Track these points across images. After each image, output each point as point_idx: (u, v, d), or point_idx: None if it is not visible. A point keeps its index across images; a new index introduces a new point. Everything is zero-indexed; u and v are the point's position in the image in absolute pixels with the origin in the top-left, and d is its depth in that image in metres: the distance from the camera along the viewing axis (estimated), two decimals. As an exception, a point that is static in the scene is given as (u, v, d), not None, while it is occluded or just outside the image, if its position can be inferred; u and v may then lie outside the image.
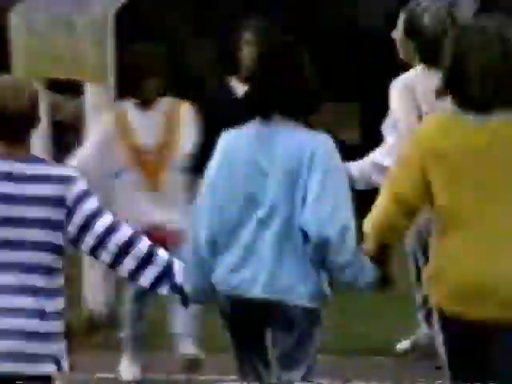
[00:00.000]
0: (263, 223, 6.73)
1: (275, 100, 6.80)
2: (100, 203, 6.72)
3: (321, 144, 6.75)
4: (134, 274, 6.69)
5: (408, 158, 6.54)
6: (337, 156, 6.76)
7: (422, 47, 9.86)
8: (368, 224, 6.63)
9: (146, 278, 6.68)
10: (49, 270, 6.54)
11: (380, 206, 6.61)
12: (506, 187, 6.60)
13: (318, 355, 7.03)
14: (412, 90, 9.73)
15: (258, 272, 6.73)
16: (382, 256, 6.76)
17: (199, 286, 6.84)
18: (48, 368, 6.54)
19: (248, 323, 6.92)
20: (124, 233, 6.69)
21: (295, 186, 6.71)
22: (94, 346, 11.90)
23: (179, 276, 6.77)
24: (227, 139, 6.80)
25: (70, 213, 6.59)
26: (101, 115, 11.90)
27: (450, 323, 6.74)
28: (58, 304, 6.57)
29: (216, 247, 6.80)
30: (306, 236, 6.63)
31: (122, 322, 11.26)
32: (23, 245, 6.51)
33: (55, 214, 6.58)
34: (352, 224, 6.71)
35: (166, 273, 6.77)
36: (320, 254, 6.69)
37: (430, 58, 9.62)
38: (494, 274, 6.60)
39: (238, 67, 11.46)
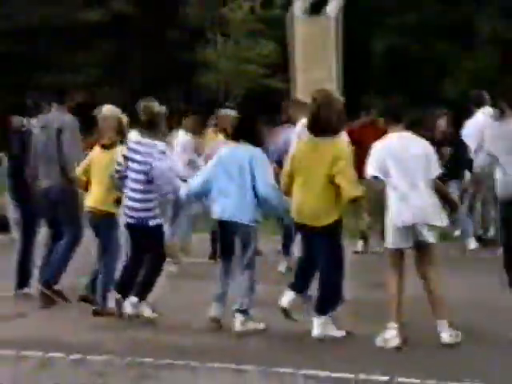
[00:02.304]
0: (232, 181, 9.50)
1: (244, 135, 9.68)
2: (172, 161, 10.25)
3: (256, 152, 9.52)
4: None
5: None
6: (264, 156, 9.56)
7: None
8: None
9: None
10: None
11: (283, 180, 9.43)
12: (317, 169, 9.02)
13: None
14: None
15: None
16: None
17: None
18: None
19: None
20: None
21: (244, 167, 9.43)
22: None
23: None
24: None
25: (153, 161, 9.96)
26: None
27: (298, 227, 9.51)
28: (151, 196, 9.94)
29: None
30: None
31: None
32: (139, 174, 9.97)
33: (148, 160, 9.97)
34: (275, 184, 9.48)
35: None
36: (264, 202, 9.44)
37: None
38: (303, 204, 9.17)
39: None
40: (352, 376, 7.74)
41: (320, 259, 9.15)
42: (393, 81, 33.79)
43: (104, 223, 10.58)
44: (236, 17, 38.47)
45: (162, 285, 10.40)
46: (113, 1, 71.08)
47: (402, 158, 8.88)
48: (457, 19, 35.61)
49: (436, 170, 8.94)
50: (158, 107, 10.35)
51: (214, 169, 9.75)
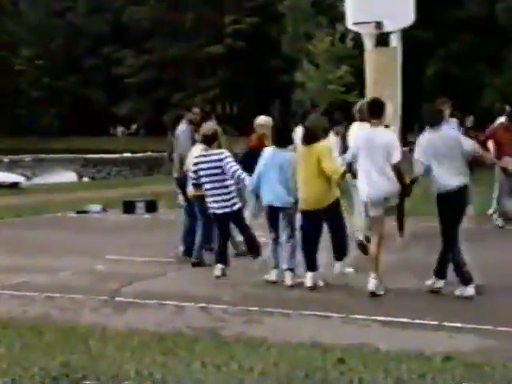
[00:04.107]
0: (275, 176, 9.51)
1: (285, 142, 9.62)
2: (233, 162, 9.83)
3: (292, 155, 9.51)
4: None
5: None
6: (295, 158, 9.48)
7: None
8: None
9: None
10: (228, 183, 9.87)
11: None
12: (311, 167, 9.12)
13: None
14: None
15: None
16: None
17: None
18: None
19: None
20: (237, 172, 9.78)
21: (283, 166, 9.50)
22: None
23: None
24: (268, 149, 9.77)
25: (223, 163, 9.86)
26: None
27: (304, 213, 9.33)
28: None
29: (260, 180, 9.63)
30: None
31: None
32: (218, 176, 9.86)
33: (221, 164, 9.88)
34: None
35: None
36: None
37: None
38: (311, 196, 9.21)
39: None
40: (410, 320, 7.68)
41: (331, 229, 9.33)
42: (440, 95, 33.77)
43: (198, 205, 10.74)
44: (318, 49, 38.87)
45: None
46: (228, 38, 71.94)
47: (367, 146, 8.85)
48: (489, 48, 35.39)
49: (395, 157, 8.71)
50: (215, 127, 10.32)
51: (263, 167, 9.72)
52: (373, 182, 8.80)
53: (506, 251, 11.28)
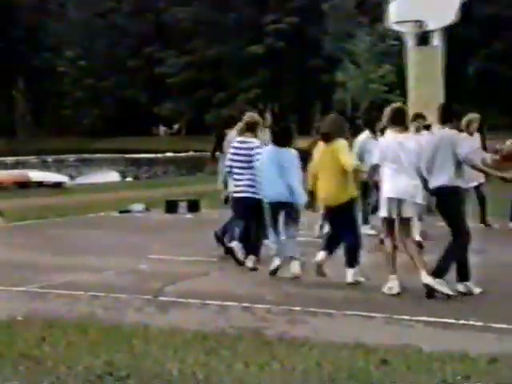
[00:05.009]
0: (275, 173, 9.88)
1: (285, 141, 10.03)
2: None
3: (292, 153, 9.96)
4: None
5: None
6: (296, 156, 9.96)
7: None
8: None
9: None
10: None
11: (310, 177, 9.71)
12: (328, 164, 9.37)
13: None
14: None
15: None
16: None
17: None
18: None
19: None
20: None
21: (282, 165, 9.88)
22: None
23: None
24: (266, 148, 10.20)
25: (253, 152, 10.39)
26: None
27: (325, 209, 9.80)
28: None
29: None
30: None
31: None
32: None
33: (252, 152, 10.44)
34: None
35: None
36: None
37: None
38: (327, 193, 9.50)
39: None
40: (454, 321, 7.59)
41: (341, 228, 9.48)
42: (482, 95, 33.43)
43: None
44: (359, 48, 38.80)
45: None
46: (268, 38, 72.05)
47: (395, 149, 8.89)
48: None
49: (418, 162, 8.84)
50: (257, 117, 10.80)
51: (262, 165, 10.12)
52: (399, 184, 8.86)
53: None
